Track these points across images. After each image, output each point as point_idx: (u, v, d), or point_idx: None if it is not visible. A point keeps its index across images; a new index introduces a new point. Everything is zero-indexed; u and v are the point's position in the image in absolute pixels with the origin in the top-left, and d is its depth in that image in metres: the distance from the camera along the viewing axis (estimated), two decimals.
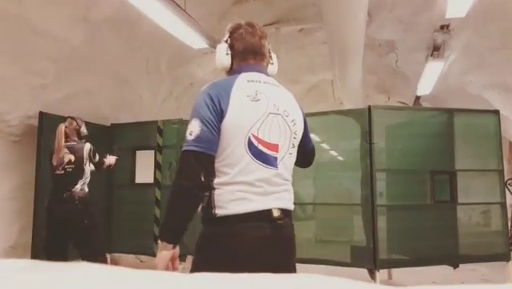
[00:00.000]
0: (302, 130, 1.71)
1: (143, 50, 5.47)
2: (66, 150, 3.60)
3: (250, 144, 1.50)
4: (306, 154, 1.84)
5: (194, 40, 4.37)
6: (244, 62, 1.66)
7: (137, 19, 4.45)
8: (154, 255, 5.56)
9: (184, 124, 5.14)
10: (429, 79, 6.45)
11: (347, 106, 7.69)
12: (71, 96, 4.84)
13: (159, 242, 1.55)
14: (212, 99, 1.53)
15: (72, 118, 3.77)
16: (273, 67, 1.81)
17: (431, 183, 4.37)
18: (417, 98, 8.11)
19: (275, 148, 1.56)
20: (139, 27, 4.90)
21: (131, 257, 5.87)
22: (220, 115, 1.50)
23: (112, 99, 5.56)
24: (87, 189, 3.54)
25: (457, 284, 0.61)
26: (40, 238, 4.36)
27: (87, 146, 3.65)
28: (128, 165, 5.31)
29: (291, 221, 1.64)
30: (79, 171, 3.52)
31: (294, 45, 7.14)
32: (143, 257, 5.86)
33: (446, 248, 4.31)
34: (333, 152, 4.88)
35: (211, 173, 1.50)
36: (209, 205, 1.50)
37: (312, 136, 5.47)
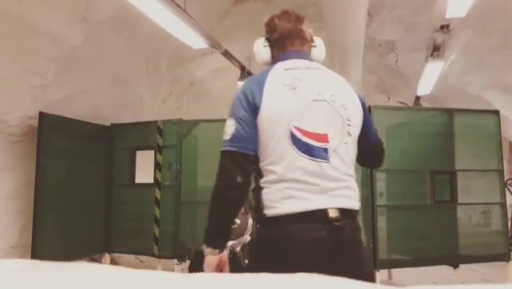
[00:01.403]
0: (360, 118, 1.51)
1: (143, 50, 5.47)
2: None
3: (293, 137, 1.38)
4: (369, 150, 1.61)
5: (194, 40, 4.37)
6: (282, 50, 1.55)
7: (137, 19, 4.45)
8: (154, 255, 5.56)
9: (184, 124, 5.15)
10: (429, 79, 6.45)
11: None
12: (71, 96, 4.84)
13: (204, 247, 1.45)
14: (245, 95, 1.42)
15: None
16: (316, 51, 1.61)
17: (431, 183, 4.37)
18: (417, 98, 8.10)
19: (324, 138, 1.40)
20: (139, 27, 4.90)
21: (131, 257, 5.87)
22: (254, 110, 1.39)
23: (112, 99, 5.56)
24: (237, 250, 3.50)
25: (457, 284, 0.61)
26: (40, 238, 4.36)
27: (251, 220, 3.68)
28: (127, 165, 5.31)
29: (356, 223, 1.46)
30: (237, 234, 3.49)
31: None
32: (143, 257, 5.86)
33: (446, 248, 4.31)
34: None
35: (250, 173, 1.41)
36: (259, 205, 1.42)
37: None
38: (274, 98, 1.40)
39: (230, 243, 3.37)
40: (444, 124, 4.56)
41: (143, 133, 5.33)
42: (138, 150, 5.33)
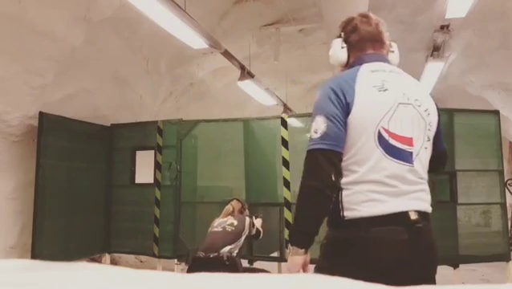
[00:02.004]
0: (436, 123, 1.50)
1: (143, 50, 5.47)
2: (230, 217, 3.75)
3: (381, 138, 1.37)
4: (438, 156, 1.60)
5: (194, 40, 4.37)
6: (362, 52, 1.53)
7: (137, 19, 4.45)
8: (154, 255, 5.56)
9: (184, 124, 5.15)
10: (429, 79, 6.45)
11: None
12: (71, 96, 4.84)
13: (289, 246, 1.44)
14: (336, 93, 1.39)
15: (238, 200, 3.98)
16: (394, 56, 1.64)
17: (431, 183, 4.35)
18: None
19: (409, 141, 1.40)
20: (139, 27, 4.90)
21: (131, 257, 5.87)
22: (346, 109, 1.38)
23: (112, 99, 5.56)
24: (235, 254, 3.46)
25: (457, 284, 0.61)
26: (40, 238, 4.36)
27: (248, 220, 3.73)
28: (127, 165, 5.31)
29: (430, 224, 1.45)
30: (235, 236, 3.52)
31: (295, 45, 7.14)
32: (143, 257, 5.86)
33: (446, 248, 4.31)
34: None
35: (341, 171, 1.39)
36: (337, 207, 1.38)
37: None
38: (365, 98, 1.39)
39: (227, 248, 3.31)
40: (444, 124, 4.51)
41: (143, 133, 5.33)
42: (138, 150, 5.33)
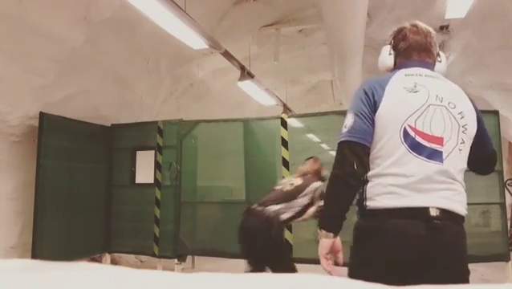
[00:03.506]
0: (474, 126, 1.54)
1: (143, 50, 5.47)
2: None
3: (406, 135, 1.45)
4: (486, 158, 1.65)
5: (194, 41, 4.37)
6: (407, 59, 1.63)
7: (137, 20, 4.45)
8: (154, 255, 5.56)
9: (184, 124, 5.15)
10: None
11: (347, 106, 7.68)
12: (72, 97, 4.84)
13: (319, 230, 1.54)
14: (365, 93, 1.53)
15: (316, 160, 3.69)
16: (440, 65, 1.69)
17: None
18: None
19: (439, 141, 1.45)
20: (139, 28, 4.90)
21: (131, 257, 5.88)
22: (373, 106, 1.49)
23: (112, 100, 5.56)
24: (284, 217, 3.19)
25: (457, 284, 0.61)
26: (40, 238, 4.36)
27: (316, 185, 3.37)
28: (128, 165, 5.32)
29: (458, 226, 1.46)
30: (287, 197, 3.25)
31: (294, 45, 7.14)
32: (143, 257, 5.86)
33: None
34: (333, 153, 4.86)
35: (366, 163, 1.49)
36: (361, 197, 1.51)
37: (312, 136, 5.41)
38: (393, 98, 1.49)
39: (275, 208, 3.09)
40: None
41: (143, 133, 5.34)
42: (138, 150, 5.34)
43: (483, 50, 5.57)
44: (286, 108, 8.63)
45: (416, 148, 1.44)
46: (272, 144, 4.80)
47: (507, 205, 4.79)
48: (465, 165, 1.52)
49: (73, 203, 4.86)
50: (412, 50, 1.63)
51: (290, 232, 4.52)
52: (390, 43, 1.70)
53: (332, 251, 1.53)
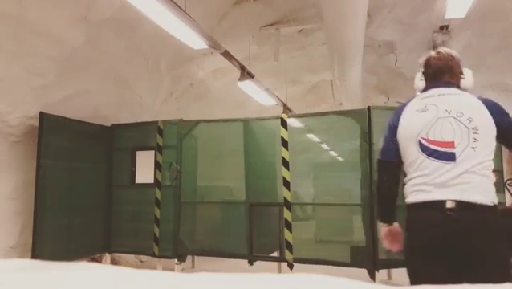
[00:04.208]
0: (489, 124, 1.84)
1: (143, 50, 5.47)
2: None
3: (422, 146, 1.85)
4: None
5: (194, 41, 4.37)
6: (432, 82, 2.02)
7: (137, 20, 4.45)
8: (154, 255, 5.56)
9: (184, 124, 5.15)
10: None
11: (347, 106, 7.69)
12: (72, 97, 4.84)
13: (379, 222, 2.15)
14: (391, 120, 2.02)
15: None
16: (464, 81, 2.07)
17: None
18: None
19: (450, 144, 1.81)
20: (139, 28, 4.91)
21: (131, 257, 5.88)
22: (394, 130, 1.97)
23: (112, 100, 5.56)
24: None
25: (457, 284, 0.61)
26: (40, 238, 4.36)
27: None
28: (128, 165, 5.32)
29: (476, 214, 1.73)
30: None
31: (294, 45, 7.14)
32: (143, 257, 5.86)
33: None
34: (333, 153, 4.88)
35: (392, 173, 2.02)
36: (404, 196, 1.96)
37: (312, 136, 5.40)
38: (407, 120, 1.94)
39: None
40: None
41: (143, 133, 5.34)
42: (138, 150, 5.33)
43: (483, 51, 5.58)
44: (286, 108, 8.63)
45: (432, 153, 1.82)
46: (272, 144, 4.80)
47: (507, 205, 4.78)
48: (482, 159, 1.79)
49: (73, 203, 4.86)
50: (435, 73, 2.02)
51: (290, 232, 4.52)
52: (421, 70, 2.08)
53: (391, 235, 2.09)
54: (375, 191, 2.15)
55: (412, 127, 1.90)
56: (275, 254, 4.72)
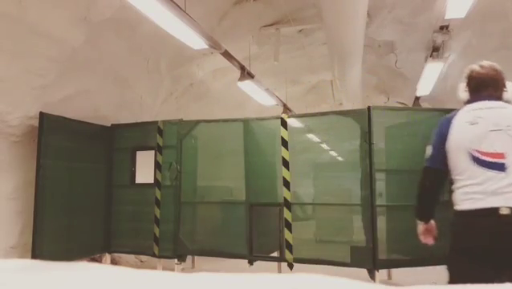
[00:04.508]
0: None
1: (143, 50, 5.47)
2: None
3: (474, 157, 1.98)
4: None
5: (194, 41, 4.37)
6: (476, 94, 2.14)
7: (137, 20, 4.46)
8: (154, 255, 5.55)
9: (184, 124, 5.15)
10: (429, 79, 6.45)
11: (347, 106, 7.69)
12: (72, 97, 4.84)
13: (417, 220, 2.31)
14: (439, 129, 2.14)
15: None
16: (508, 94, 2.18)
17: None
18: (417, 98, 8.11)
19: (500, 156, 1.95)
20: (139, 28, 4.91)
21: (131, 257, 5.88)
22: (444, 139, 2.07)
23: (112, 100, 5.56)
24: None
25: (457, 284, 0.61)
26: (40, 238, 4.36)
27: None
28: (128, 165, 5.31)
29: None
30: None
31: (294, 45, 7.14)
32: (143, 257, 5.86)
33: (446, 248, 4.31)
34: (333, 153, 4.88)
35: (436, 180, 2.19)
36: (451, 202, 2.10)
37: (312, 136, 5.42)
38: (458, 131, 2.04)
39: None
40: None
41: (143, 133, 5.34)
42: (138, 150, 5.33)
43: (483, 51, 5.57)
44: (286, 108, 8.64)
45: (482, 164, 1.95)
46: (272, 144, 4.80)
47: None
48: None
49: (73, 203, 4.86)
50: (479, 86, 2.14)
51: (290, 232, 4.52)
52: (465, 82, 2.21)
53: (427, 232, 2.28)
54: (418, 193, 2.26)
55: (463, 138, 2.02)
56: (275, 254, 4.72)
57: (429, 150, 2.17)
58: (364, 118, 4.34)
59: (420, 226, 2.30)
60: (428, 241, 2.32)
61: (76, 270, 0.59)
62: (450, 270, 2.11)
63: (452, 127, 2.06)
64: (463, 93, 2.21)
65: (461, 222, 2.02)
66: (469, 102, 2.14)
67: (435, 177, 2.17)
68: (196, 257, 5.58)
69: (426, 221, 2.28)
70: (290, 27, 6.36)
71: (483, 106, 2.06)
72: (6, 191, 4.41)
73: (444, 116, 2.18)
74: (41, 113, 4.45)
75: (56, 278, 0.54)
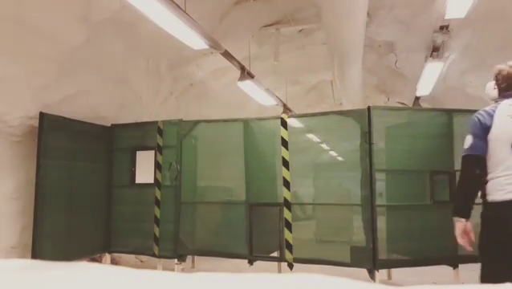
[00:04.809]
0: None
1: (143, 50, 5.47)
2: None
3: None
4: None
5: (194, 41, 4.37)
6: (507, 92, 2.29)
7: (137, 20, 4.45)
8: (154, 255, 5.55)
9: (184, 124, 5.15)
10: (429, 79, 6.45)
11: (347, 106, 7.69)
12: (72, 97, 4.84)
13: (455, 217, 2.35)
14: (479, 119, 2.24)
15: None
16: None
17: (430, 183, 4.36)
18: (417, 98, 8.11)
19: None
20: (139, 28, 4.90)
21: (131, 257, 5.87)
22: (486, 130, 2.20)
23: (112, 100, 5.56)
24: None
25: (457, 284, 0.61)
26: (41, 238, 4.36)
27: None
28: (128, 165, 5.31)
29: None
30: None
31: (294, 45, 7.14)
32: (143, 257, 5.86)
33: (446, 248, 4.31)
34: (333, 153, 4.88)
35: (482, 169, 2.20)
36: (484, 193, 2.20)
37: (312, 136, 5.42)
38: (500, 123, 2.18)
39: None
40: (443, 125, 4.56)
41: (143, 133, 5.33)
42: (138, 150, 5.33)
43: (483, 50, 5.57)
44: (286, 108, 8.64)
45: None
46: (272, 144, 4.80)
47: None
48: None
49: (73, 203, 4.86)
50: (509, 85, 2.29)
51: (290, 232, 4.52)
52: (494, 80, 2.38)
53: (465, 232, 2.28)
54: (460, 185, 2.33)
55: (505, 130, 2.17)
56: (275, 254, 4.72)
57: (470, 140, 2.25)
58: (364, 118, 4.33)
59: (460, 225, 2.30)
60: (466, 244, 2.31)
61: (76, 270, 0.59)
62: (483, 259, 2.25)
63: (494, 119, 2.18)
64: (493, 91, 2.37)
65: (492, 213, 2.14)
66: (500, 98, 2.28)
67: (478, 164, 2.23)
68: (196, 257, 5.58)
69: (467, 217, 2.29)
70: (290, 27, 6.36)
71: None
72: (6, 191, 4.41)
73: (482, 109, 2.28)
74: (41, 113, 4.44)
75: (56, 278, 0.54)
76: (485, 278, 2.27)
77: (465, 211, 2.29)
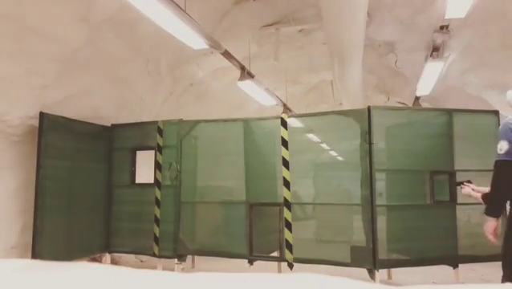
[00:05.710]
0: None
1: (143, 50, 5.47)
2: None
3: None
4: None
5: (194, 41, 4.37)
6: None
7: (137, 20, 4.45)
8: (154, 255, 5.56)
9: (184, 124, 5.15)
10: (429, 79, 6.44)
11: (347, 106, 7.69)
12: (72, 97, 4.84)
13: (485, 216, 2.49)
14: None
15: None
16: None
17: (430, 183, 4.37)
18: (417, 98, 8.10)
19: None
20: (139, 28, 4.90)
21: (131, 257, 5.88)
22: None
23: (112, 100, 5.56)
24: None
25: (457, 284, 0.61)
26: (41, 237, 4.36)
27: None
28: (128, 165, 5.31)
29: None
30: None
31: (294, 45, 7.14)
32: (143, 257, 5.86)
33: (446, 248, 4.31)
34: (333, 152, 4.88)
35: None
36: None
37: (312, 136, 5.42)
38: None
39: None
40: (443, 125, 4.56)
41: (143, 133, 5.34)
42: (138, 150, 5.33)
43: (483, 50, 5.57)
44: (286, 108, 8.63)
45: None
46: (272, 144, 4.80)
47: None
48: None
49: (73, 203, 4.86)
50: None
51: (290, 232, 4.52)
52: None
53: (495, 230, 2.45)
54: (495, 187, 2.43)
55: None
56: (275, 254, 4.72)
57: (506, 145, 2.35)
58: (364, 118, 4.34)
59: (493, 224, 2.45)
60: (496, 240, 2.50)
61: (76, 270, 0.59)
62: (505, 259, 2.46)
63: None
64: None
65: None
66: None
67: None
68: (196, 257, 5.58)
69: (499, 216, 2.46)
70: (290, 27, 6.36)
71: None
72: (6, 191, 4.41)
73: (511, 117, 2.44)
74: (41, 113, 4.45)
75: (56, 277, 0.54)
76: (507, 279, 2.44)
77: (499, 211, 2.47)
